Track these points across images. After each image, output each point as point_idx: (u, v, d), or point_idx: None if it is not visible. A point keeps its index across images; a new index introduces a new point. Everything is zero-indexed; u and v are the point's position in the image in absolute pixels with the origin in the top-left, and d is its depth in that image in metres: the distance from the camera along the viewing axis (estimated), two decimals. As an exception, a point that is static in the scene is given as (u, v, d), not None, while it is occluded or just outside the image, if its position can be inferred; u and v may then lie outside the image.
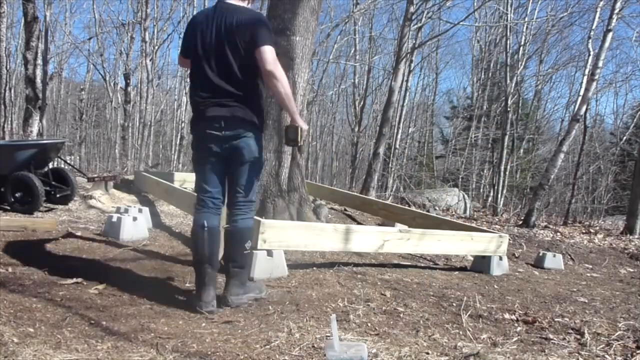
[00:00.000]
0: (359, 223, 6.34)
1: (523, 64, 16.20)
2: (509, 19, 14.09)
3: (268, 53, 2.70)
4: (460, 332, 2.78)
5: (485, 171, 20.10)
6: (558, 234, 7.91)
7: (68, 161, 9.68)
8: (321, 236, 3.82)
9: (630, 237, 8.25)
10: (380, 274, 4.03)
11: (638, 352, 2.63)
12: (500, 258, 4.70)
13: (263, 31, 2.73)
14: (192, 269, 3.57)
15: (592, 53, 10.22)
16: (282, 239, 3.63)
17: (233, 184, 2.89)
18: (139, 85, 17.46)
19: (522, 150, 20.27)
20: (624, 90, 22.17)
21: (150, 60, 17.04)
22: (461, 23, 12.17)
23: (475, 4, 14.57)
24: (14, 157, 4.99)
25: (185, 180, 6.93)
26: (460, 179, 18.45)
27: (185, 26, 3.46)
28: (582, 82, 10.88)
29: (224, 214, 3.00)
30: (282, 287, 3.34)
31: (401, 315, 3.00)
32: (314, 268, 3.94)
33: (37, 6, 9.21)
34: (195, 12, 17.26)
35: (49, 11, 12.88)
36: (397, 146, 16.18)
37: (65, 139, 14.51)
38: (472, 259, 4.95)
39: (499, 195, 14.59)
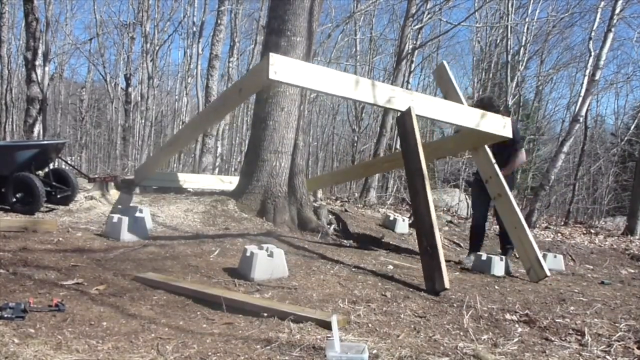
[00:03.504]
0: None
1: (524, 64, 16.18)
2: (509, 19, 14.08)
3: None
4: (461, 333, 2.78)
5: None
6: (559, 234, 7.90)
7: (69, 162, 9.69)
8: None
9: (631, 237, 8.25)
10: (381, 274, 4.03)
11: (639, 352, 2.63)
12: (501, 259, 4.70)
13: None
14: (193, 269, 3.59)
15: (593, 54, 10.21)
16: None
17: None
18: (140, 85, 17.48)
19: (522, 151, 20.19)
20: (625, 91, 22.15)
21: (151, 60, 17.06)
22: (462, 24, 12.18)
23: (476, 4, 14.55)
24: (14, 157, 4.99)
25: (186, 180, 6.95)
26: (461, 180, 18.43)
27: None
28: (582, 83, 10.88)
29: None
30: (283, 288, 3.34)
31: (402, 315, 3.00)
32: (314, 268, 3.94)
33: (37, 7, 9.22)
34: (195, 13, 17.29)
35: (49, 12, 12.90)
36: (398, 147, 16.14)
37: (66, 139, 14.52)
38: (473, 259, 4.95)
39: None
